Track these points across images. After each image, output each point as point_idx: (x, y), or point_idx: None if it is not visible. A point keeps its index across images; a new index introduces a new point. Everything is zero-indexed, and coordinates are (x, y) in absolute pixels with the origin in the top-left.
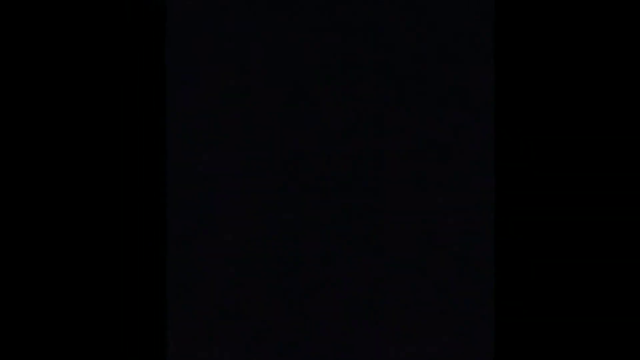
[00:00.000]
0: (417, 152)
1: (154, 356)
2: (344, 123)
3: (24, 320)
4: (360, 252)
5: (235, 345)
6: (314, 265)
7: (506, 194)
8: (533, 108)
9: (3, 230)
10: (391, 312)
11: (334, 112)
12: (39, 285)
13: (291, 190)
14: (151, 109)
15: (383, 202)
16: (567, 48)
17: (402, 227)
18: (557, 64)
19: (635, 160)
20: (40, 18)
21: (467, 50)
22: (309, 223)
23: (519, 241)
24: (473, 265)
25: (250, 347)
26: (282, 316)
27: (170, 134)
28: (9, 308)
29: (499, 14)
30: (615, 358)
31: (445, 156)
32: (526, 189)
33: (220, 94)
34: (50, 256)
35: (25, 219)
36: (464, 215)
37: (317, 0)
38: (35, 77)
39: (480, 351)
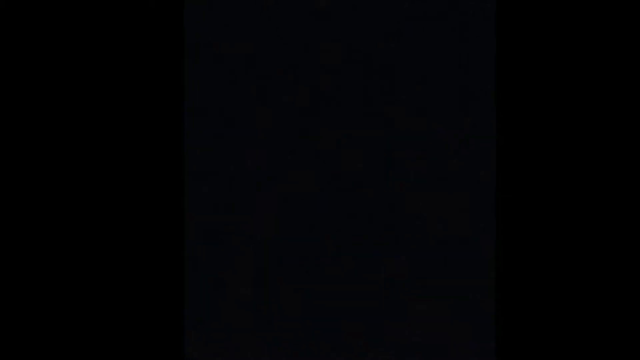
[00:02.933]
0: (419, 152)
1: (172, 356)
2: (355, 123)
3: (41, 320)
4: (370, 250)
5: (251, 342)
6: (321, 263)
7: (507, 194)
8: (535, 108)
9: (11, 229)
10: (396, 312)
11: (343, 112)
12: (59, 285)
13: (297, 188)
14: (168, 110)
15: (386, 203)
16: (570, 48)
17: (405, 226)
18: (559, 63)
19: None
20: (62, 15)
21: (469, 52)
22: (320, 222)
23: (520, 240)
24: (475, 263)
25: (265, 344)
26: (292, 313)
27: (187, 133)
28: (17, 308)
29: (500, 15)
30: (617, 357)
31: (447, 156)
32: (528, 188)
33: (238, 94)
34: (74, 255)
35: (46, 217)
36: (465, 215)
37: (327, 2)
38: (52, 73)
39: (482, 348)
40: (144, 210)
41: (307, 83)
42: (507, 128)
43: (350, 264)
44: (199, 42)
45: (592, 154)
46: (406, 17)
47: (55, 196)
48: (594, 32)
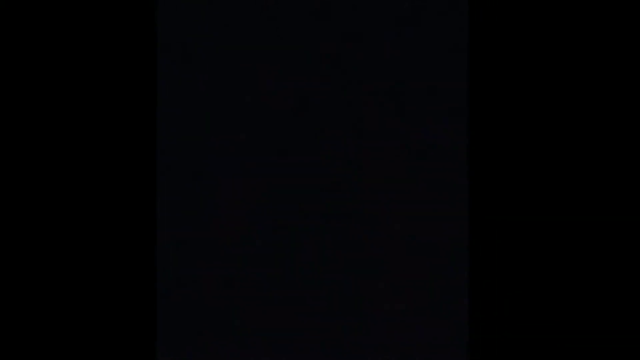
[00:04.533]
0: (392, 153)
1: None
2: (333, 125)
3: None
4: (346, 252)
5: (226, 345)
6: (297, 265)
7: (480, 196)
8: (507, 110)
9: None
10: (372, 314)
11: (319, 113)
12: (20, 285)
13: (275, 190)
14: (141, 109)
15: (360, 205)
16: (543, 50)
17: (379, 229)
18: (532, 64)
19: (614, 163)
20: (25, 14)
21: (441, 52)
22: (295, 224)
23: (493, 242)
24: (447, 266)
25: (241, 347)
26: (261, 314)
27: (160, 133)
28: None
29: (473, 16)
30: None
31: (419, 158)
32: (500, 191)
33: (212, 93)
34: (38, 256)
35: (6, 219)
36: (438, 217)
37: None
38: (14, 74)
39: (454, 352)
40: (115, 214)
41: (280, 84)
42: (481, 130)
43: (334, 264)
44: (172, 42)
45: (569, 156)
46: (375, 18)
47: (25, 196)
48: (570, 36)
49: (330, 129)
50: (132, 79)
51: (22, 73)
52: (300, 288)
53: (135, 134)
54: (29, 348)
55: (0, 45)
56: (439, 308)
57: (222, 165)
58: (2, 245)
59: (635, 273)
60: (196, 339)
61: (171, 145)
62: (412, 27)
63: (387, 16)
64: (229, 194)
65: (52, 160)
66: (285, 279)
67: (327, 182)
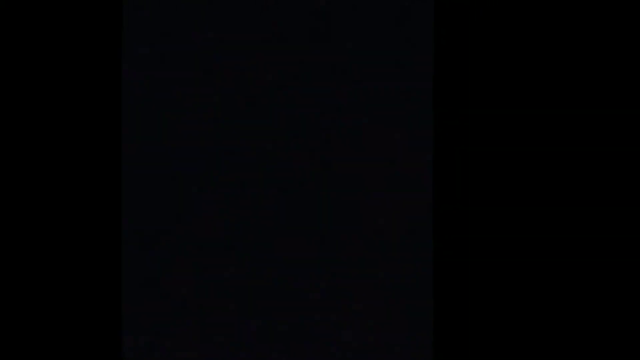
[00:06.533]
0: (356, 150)
1: (110, 355)
2: (300, 119)
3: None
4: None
5: (191, 346)
6: (259, 262)
7: (444, 192)
8: (472, 107)
9: None
10: (341, 310)
11: (284, 108)
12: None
13: (241, 186)
14: (105, 104)
15: (327, 200)
16: (505, 48)
17: (344, 226)
18: (497, 61)
19: (578, 160)
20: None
21: (405, 52)
22: (263, 219)
23: (457, 239)
24: (412, 264)
25: (206, 347)
26: (230, 315)
27: (125, 128)
28: None
29: (438, 17)
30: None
31: (383, 155)
32: (464, 185)
33: (176, 88)
34: (12, 255)
35: None
36: (402, 214)
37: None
38: None
39: (420, 348)
40: (81, 213)
41: (249, 81)
42: (445, 127)
43: (289, 264)
44: (137, 41)
45: (537, 154)
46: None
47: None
48: (536, 35)
49: (301, 125)
50: (98, 74)
51: None
52: (275, 285)
53: (101, 130)
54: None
55: None
56: (404, 309)
57: (185, 159)
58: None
59: (627, 276)
60: (162, 338)
61: (135, 142)
62: (378, 25)
63: (352, 15)
64: (195, 190)
65: (19, 159)
66: (259, 277)
67: (300, 178)
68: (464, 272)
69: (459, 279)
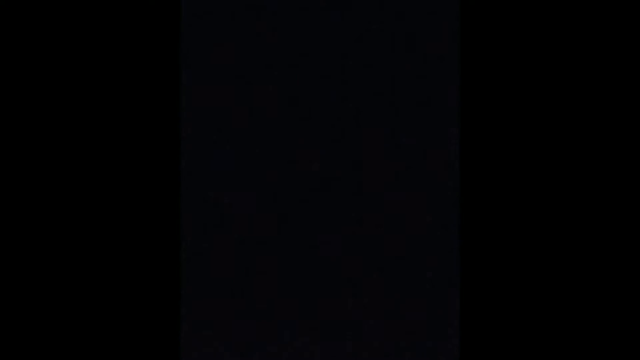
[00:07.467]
0: (386, 151)
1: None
2: (341, 123)
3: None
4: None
5: (245, 345)
6: (306, 264)
7: (471, 194)
8: (500, 109)
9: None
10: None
11: (326, 112)
12: (52, 286)
13: (292, 189)
14: (164, 108)
15: (359, 202)
16: (535, 50)
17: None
18: (524, 64)
19: (608, 162)
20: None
21: (432, 53)
22: (313, 222)
23: (484, 239)
24: (439, 266)
25: (259, 346)
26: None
27: (184, 132)
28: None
29: (464, 18)
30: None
31: (411, 156)
32: (492, 188)
33: (234, 92)
34: (63, 257)
35: (44, 218)
36: (429, 215)
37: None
38: (42, 74)
39: (446, 348)
40: (139, 213)
41: (290, 85)
42: (473, 128)
43: (349, 264)
44: (196, 44)
45: (560, 156)
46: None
47: (49, 196)
48: (561, 37)
49: (329, 127)
50: (155, 79)
51: (39, 74)
52: (306, 287)
53: (159, 132)
54: (46, 341)
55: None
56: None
57: (242, 163)
58: (13, 246)
59: (628, 275)
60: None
61: (194, 145)
62: (403, 26)
63: (378, 15)
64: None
65: (78, 160)
66: (292, 278)
67: (327, 182)
68: (491, 270)
69: (486, 278)
